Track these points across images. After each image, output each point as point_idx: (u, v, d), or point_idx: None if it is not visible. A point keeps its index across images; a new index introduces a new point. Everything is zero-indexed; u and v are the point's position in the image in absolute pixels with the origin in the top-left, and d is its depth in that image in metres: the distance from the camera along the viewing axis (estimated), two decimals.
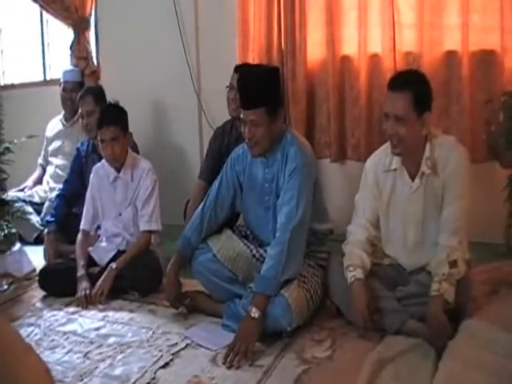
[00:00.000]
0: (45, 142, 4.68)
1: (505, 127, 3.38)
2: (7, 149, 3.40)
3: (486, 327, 2.25)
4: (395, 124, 2.44)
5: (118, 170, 3.34)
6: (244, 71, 2.94)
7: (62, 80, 4.67)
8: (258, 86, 2.58)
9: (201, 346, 2.52)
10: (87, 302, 3.04)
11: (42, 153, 4.71)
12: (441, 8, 3.62)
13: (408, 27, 3.73)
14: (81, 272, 3.18)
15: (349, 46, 3.93)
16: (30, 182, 4.65)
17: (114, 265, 3.16)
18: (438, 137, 2.54)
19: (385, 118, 2.50)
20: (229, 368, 2.32)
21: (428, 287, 2.36)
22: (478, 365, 2.01)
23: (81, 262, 3.22)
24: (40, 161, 4.74)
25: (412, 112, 2.42)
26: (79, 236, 3.36)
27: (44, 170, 4.71)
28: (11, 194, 4.14)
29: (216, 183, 2.90)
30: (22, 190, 4.56)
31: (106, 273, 3.14)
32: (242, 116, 2.64)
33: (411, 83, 2.44)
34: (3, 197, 3.37)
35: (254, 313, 2.43)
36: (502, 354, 2.07)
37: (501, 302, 2.62)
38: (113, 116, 3.27)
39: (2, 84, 5.63)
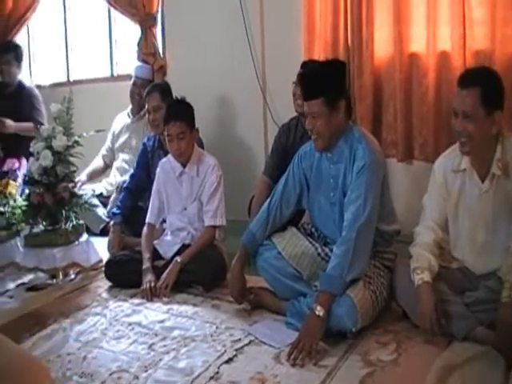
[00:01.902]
0: (110, 136, 4.76)
1: None
2: (76, 142, 3.48)
3: None
4: (463, 120, 2.39)
5: (184, 165, 3.37)
6: (306, 66, 2.97)
7: (133, 74, 4.74)
8: (316, 76, 2.60)
9: (264, 343, 2.52)
10: (152, 295, 3.09)
11: (106, 146, 4.79)
12: None
13: (479, 23, 3.62)
14: (146, 265, 3.23)
15: (417, 44, 3.84)
16: (83, 176, 4.63)
17: (178, 259, 3.20)
18: (511, 138, 2.47)
19: (454, 114, 2.45)
20: (292, 366, 2.32)
21: (498, 293, 2.29)
22: None
23: (146, 255, 3.27)
24: (104, 152, 4.81)
25: (480, 109, 2.36)
26: (145, 229, 3.42)
27: (105, 163, 4.79)
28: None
29: (282, 180, 2.90)
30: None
31: (170, 266, 3.18)
32: (303, 108, 2.66)
33: (480, 79, 2.39)
34: (72, 189, 3.44)
35: (319, 311, 2.42)
36: None
37: None
38: (179, 112, 3.31)
39: (72, 80, 5.77)
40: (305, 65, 3.48)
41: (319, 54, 4.09)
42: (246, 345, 2.52)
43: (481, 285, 2.49)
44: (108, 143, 4.78)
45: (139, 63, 4.90)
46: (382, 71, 3.98)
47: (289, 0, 4.28)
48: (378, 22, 3.94)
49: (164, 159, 3.52)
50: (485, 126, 2.38)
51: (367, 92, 3.97)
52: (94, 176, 4.75)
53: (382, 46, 3.96)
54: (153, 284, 3.13)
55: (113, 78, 5.47)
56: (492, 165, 2.45)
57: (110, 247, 3.72)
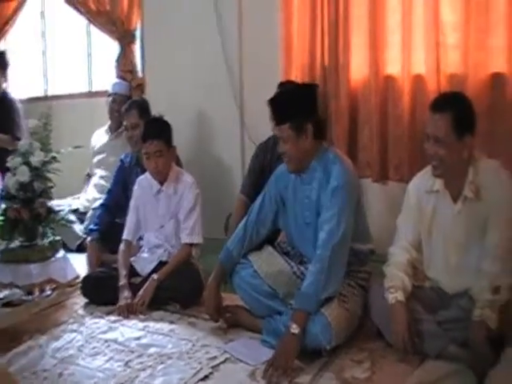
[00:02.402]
0: (92, 153, 4.76)
1: None
2: (54, 158, 3.47)
3: None
4: (435, 145, 2.46)
5: (162, 183, 3.40)
6: (283, 87, 3.04)
7: (111, 91, 4.76)
8: (283, 102, 2.66)
9: (240, 361, 2.54)
10: (128, 312, 3.09)
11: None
12: (487, 29, 3.57)
13: (453, 48, 3.71)
14: (123, 281, 3.23)
15: (392, 67, 3.92)
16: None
17: (155, 276, 3.21)
18: (482, 161, 2.53)
19: (426, 138, 2.52)
20: (268, 383, 2.33)
21: (470, 312, 2.34)
22: None
23: (123, 272, 3.28)
24: (88, 170, 4.82)
25: (452, 133, 2.42)
26: (121, 246, 3.42)
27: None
28: (59, 202, 4.24)
29: (259, 199, 2.94)
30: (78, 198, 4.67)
31: (147, 283, 3.19)
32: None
33: (452, 105, 2.45)
34: (49, 205, 3.43)
35: (294, 329, 2.44)
36: None
37: None
38: (157, 130, 3.33)
39: (49, 94, 5.76)
40: (281, 85, 3.54)
41: (296, 75, 4.15)
42: (222, 362, 2.54)
43: (453, 304, 2.54)
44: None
45: (117, 80, 4.91)
46: (358, 93, 4.05)
47: (267, 20, 4.34)
48: (355, 45, 4.00)
49: (142, 176, 3.53)
50: (456, 150, 2.45)
51: (343, 113, 4.03)
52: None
53: (358, 68, 4.02)
54: (129, 301, 3.13)
55: (91, 94, 5.48)
56: (464, 187, 2.51)
57: (87, 264, 3.70)
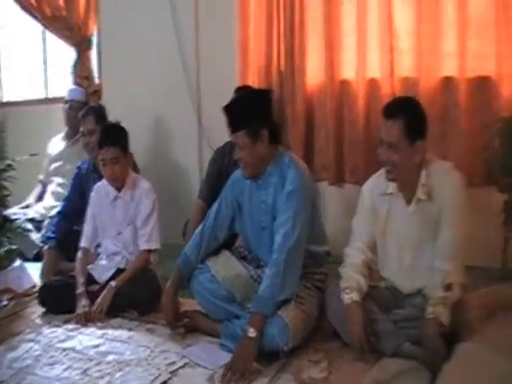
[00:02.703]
0: (46, 160, 4.71)
1: (501, 153, 3.43)
2: (9, 166, 3.43)
3: (481, 351, 2.26)
4: (388, 150, 2.51)
5: (119, 190, 3.38)
6: (240, 92, 3.05)
7: (67, 98, 4.72)
8: (237, 110, 2.67)
9: (199, 365, 2.54)
10: (86, 320, 3.06)
11: (43, 170, 4.74)
12: (438, 34, 3.67)
13: (406, 52, 3.79)
14: (80, 289, 3.20)
15: (347, 71, 3.98)
16: (31, 199, 4.70)
17: (113, 283, 3.18)
18: (434, 163, 2.60)
19: (380, 143, 2.57)
20: None
21: (423, 310, 2.39)
22: None
23: (80, 280, 3.25)
24: (40, 177, 4.77)
25: (404, 139, 2.48)
26: (79, 253, 3.39)
27: (44, 187, 4.74)
28: (13, 210, 4.18)
29: (216, 204, 2.95)
30: (26, 207, 4.60)
31: (105, 291, 3.17)
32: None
33: (403, 111, 2.51)
34: (4, 213, 3.39)
35: (252, 332, 2.46)
36: (497, 378, 2.09)
37: (497, 326, 2.62)
38: (113, 137, 3.31)
39: (4, 101, 5.68)
40: (238, 90, 3.56)
41: (253, 80, 4.18)
42: (181, 367, 2.54)
43: (407, 303, 2.60)
44: (44, 167, 4.73)
45: (73, 86, 4.87)
46: (314, 97, 4.10)
47: (223, 24, 4.35)
48: (311, 48, 4.05)
49: (99, 183, 3.51)
50: (408, 155, 2.51)
51: (299, 118, 4.07)
52: (39, 200, 4.70)
53: (314, 72, 4.07)
54: (87, 309, 3.10)
55: (47, 101, 5.41)
56: (417, 189, 2.57)
57: (43, 272, 3.66)
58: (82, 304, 3.12)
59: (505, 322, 2.59)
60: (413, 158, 2.52)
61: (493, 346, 2.27)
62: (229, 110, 2.69)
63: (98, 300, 3.14)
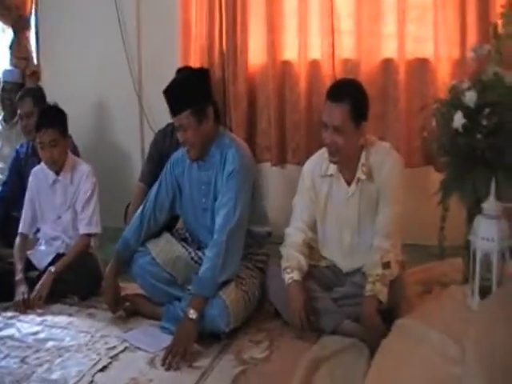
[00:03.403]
0: None
1: (437, 133, 3.50)
2: None
3: (418, 326, 2.31)
4: (333, 134, 2.51)
5: (58, 173, 3.31)
6: (181, 73, 3.02)
7: (1, 80, 4.57)
8: (180, 90, 2.63)
9: (139, 349, 2.53)
10: (25, 307, 3.00)
11: None
12: (378, 17, 3.72)
13: (347, 34, 3.82)
14: (19, 276, 3.13)
15: (289, 52, 3.98)
16: None
17: (52, 268, 3.12)
18: (374, 143, 2.63)
19: (324, 127, 2.56)
20: (167, 370, 2.34)
21: (363, 288, 2.43)
22: (409, 361, 2.07)
23: (19, 266, 3.17)
24: None
25: (350, 123, 2.49)
26: (17, 239, 3.31)
27: None
28: None
29: (155, 186, 2.92)
30: None
31: (44, 277, 3.10)
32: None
33: (349, 95, 2.50)
34: None
35: (192, 314, 2.46)
36: (432, 352, 2.14)
37: (433, 302, 2.70)
38: (51, 119, 3.23)
39: None
40: (179, 71, 3.51)
41: (195, 60, 4.13)
42: (121, 351, 2.52)
43: (347, 281, 2.63)
44: None
45: (8, 67, 4.73)
46: (256, 78, 4.09)
47: (165, 4, 4.27)
48: (252, 29, 4.03)
49: (37, 167, 3.42)
50: (353, 137, 2.52)
51: (241, 98, 4.06)
52: None
53: (255, 53, 4.05)
54: (26, 296, 3.03)
55: None
56: (357, 170, 2.59)
57: None
58: (21, 291, 3.05)
59: (441, 297, 2.66)
60: (357, 141, 2.54)
61: (429, 321, 2.33)
62: (170, 92, 2.65)
63: (37, 286, 3.07)
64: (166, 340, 2.50)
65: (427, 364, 2.07)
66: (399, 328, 2.30)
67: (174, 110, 2.64)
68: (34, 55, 4.87)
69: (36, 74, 4.78)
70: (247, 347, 2.50)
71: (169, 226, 3.01)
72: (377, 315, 2.35)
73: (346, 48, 3.83)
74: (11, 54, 4.83)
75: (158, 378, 2.29)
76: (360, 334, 2.42)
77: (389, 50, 3.74)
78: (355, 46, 3.79)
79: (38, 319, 2.91)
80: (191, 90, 2.62)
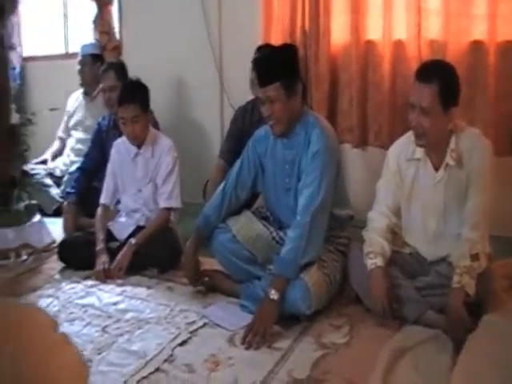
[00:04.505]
0: (65, 115, 4.69)
1: None
2: (29, 120, 3.40)
3: (507, 323, 2.24)
4: (420, 115, 2.42)
5: (139, 147, 3.34)
6: (262, 51, 2.97)
7: (80, 53, 4.66)
8: (271, 61, 2.59)
9: (218, 326, 2.54)
10: (106, 277, 3.07)
11: (62, 125, 4.73)
12: None
13: (434, 14, 3.68)
14: (100, 246, 3.20)
15: (373, 32, 3.88)
16: (48, 155, 4.69)
17: (133, 240, 3.18)
18: (464, 129, 2.52)
19: (411, 108, 2.47)
20: (247, 349, 2.34)
21: (448, 279, 2.35)
22: (496, 362, 2.00)
23: (100, 236, 3.24)
24: (60, 133, 4.76)
25: (438, 105, 2.39)
26: (99, 210, 3.38)
27: (63, 143, 4.73)
28: (31, 166, 4.17)
29: (237, 164, 2.90)
30: (43, 162, 4.59)
31: (124, 248, 3.16)
32: (260, 95, 2.64)
33: (439, 75, 2.41)
34: (24, 168, 3.37)
35: (273, 295, 2.44)
36: None
37: None
38: (133, 94, 3.25)
39: (25, 55, 5.62)
40: (260, 49, 3.49)
41: (276, 39, 4.08)
42: (201, 327, 2.53)
43: (432, 270, 2.55)
44: (62, 124, 4.70)
45: (93, 41, 4.81)
46: (339, 58, 4.01)
47: None
48: (336, 9, 3.95)
49: (118, 140, 3.47)
50: (441, 121, 2.42)
51: (323, 78, 3.99)
52: (57, 156, 4.69)
53: (338, 33, 3.97)
54: (106, 266, 3.10)
55: (67, 56, 5.35)
56: (446, 155, 2.50)
57: (64, 227, 3.66)
58: (102, 260, 3.12)
59: None
60: (445, 126, 2.45)
61: None
62: (262, 62, 2.63)
63: (118, 257, 3.14)
64: (246, 318, 2.51)
65: None
66: (487, 324, 2.21)
67: (264, 81, 2.58)
68: (117, 30, 4.93)
69: (117, 49, 4.86)
70: (327, 331, 2.47)
71: (248, 204, 3.00)
72: (463, 308, 2.27)
73: (433, 29, 3.69)
74: (94, 28, 4.92)
75: (238, 356, 2.29)
76: (443, 326, 2.36)
77: (478, 31, 3.57)
78: (443, 26, 3.65)
79: (118, 289, 2.97)
80: (283, 63, 2.58)
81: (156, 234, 3.21)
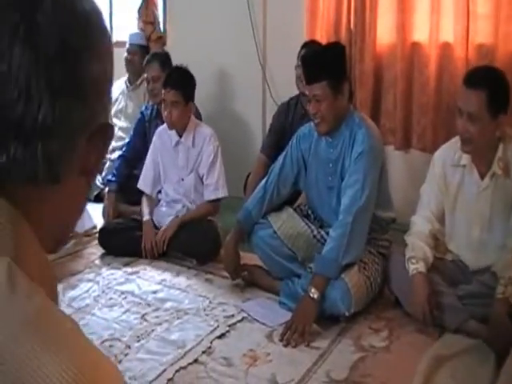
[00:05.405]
0: None
1: None
2: None
3: None
4: (467, 121, 2.39)
5: (180, 135, 3.35)
6: (308, 47, 2.96)
7: (128, 42, 4.69)
8: (319, 59, 2.59)
9: (257, 321, 2.56)
10: (152, 251, 3.14)
11: None
12: None
13: (483, 18, 3.63)
14: (146, 217, 3.28)
15: (419, 33, 3.83)
16: None
17: (179, 214, 3.25)
18: None
19: (458, 113, 2.45)
20: (285, 346, 2.36)
21: (492, 289, 2.33)
22: None
23: (146, 210, 3.32)
24: None
25: (485, 112, 2.35)
26: (144, 196, 3.43)
27: None
28: None
29: (280, 159, 2.90)
30: None
31: (170, 221, 3.23)
32: (306, 92, 2.65)
33: (488, 81, 2.37)
34: None
35: (313, 293, 2.45)
36: None
37: None
38: (177, 80, 3.27)
39: None
40: (306, 45, 3.49)
41: (321, 36, 4.06)
42: (239, 321, 2.55)
43: (474, 279, 2.52)
44: None
45: (137, 31, 4.84)
46: (384, 58, 3.97)
47: None
48: (382, 8, 3.90)
49: (161, 127, 3.49)
50: (488, 129, 2.38)
51: (368, 78, 3.96)
52: None
53: (384, 32, 3.93)
54: (153, 238, 3.18)
55: (112, 44, 5.37)
56: (493, 163, 2.46)
57: (104, 214, 3.71)
58: (149, 235, 3.20)
59: None
60: (492, 133, 2.40)
61: None
62: (310, 59, 2.63)
63: (163, 228, 3.21)
64: (285, 316, 2.52)
65: None
66: None
67: (310, 79, 2.59)
68: (161, 20, 4.95)
69: (162, 39, 4.87)
70: (366, 334, 2.47)
71: (290, 201, 3.00)
72: (507, 319, 2.25)
73: (481, 32, 3.63)
74: (139, 18, 4.94)
75: (276, 352, 2.31)
76: (485, 337, 2.32)
77: None
78: (491, 30, 3.59)
79: (158, 278, 3.00)
80: (331, 62, 2.58)
81: (197, 225, 3.21)
